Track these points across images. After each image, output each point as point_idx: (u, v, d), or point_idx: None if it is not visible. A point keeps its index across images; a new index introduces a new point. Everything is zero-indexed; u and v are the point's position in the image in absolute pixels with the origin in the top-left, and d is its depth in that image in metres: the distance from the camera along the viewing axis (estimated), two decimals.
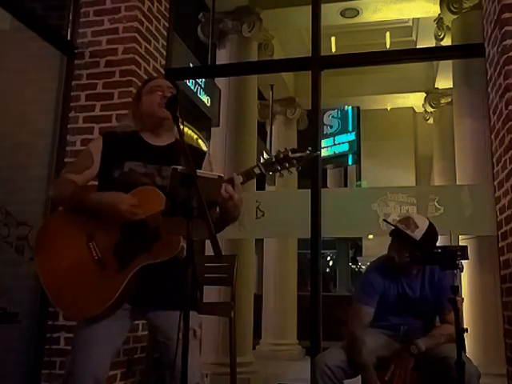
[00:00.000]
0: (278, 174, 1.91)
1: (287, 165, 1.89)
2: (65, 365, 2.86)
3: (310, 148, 1.91)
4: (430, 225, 2.51)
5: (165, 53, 3.65)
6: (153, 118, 2.02)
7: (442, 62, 6.42)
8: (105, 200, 1.85)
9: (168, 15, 3.73)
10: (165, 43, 3.65)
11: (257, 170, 1.89)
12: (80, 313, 1.86)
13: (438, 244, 2.47)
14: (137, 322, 2.89)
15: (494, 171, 3.11)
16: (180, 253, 1.82)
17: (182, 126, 1.70)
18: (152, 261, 1.80)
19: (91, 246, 1.86)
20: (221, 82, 5.50)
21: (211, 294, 4.50)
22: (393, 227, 2.55)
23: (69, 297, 1.83)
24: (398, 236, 2.52)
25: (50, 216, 2.03)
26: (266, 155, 1.92)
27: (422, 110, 8.05)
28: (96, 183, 2.02)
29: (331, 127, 10.23)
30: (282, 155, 1.89)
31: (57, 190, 2.01)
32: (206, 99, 5.22)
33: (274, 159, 1.89)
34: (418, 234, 2.44)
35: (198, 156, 2.05)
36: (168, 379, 1.82)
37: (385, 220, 2.97)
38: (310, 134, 3.82)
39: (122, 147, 2.01)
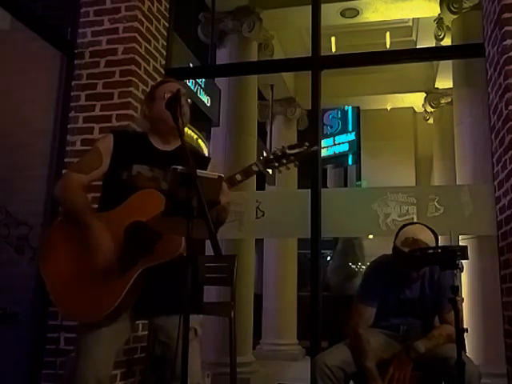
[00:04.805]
0: (276, 170, 1.92)
1: (285, 161, 1.90)
2: (65, 365, 2.86)
3: (307, 143, 1.92)
4: (434, 234, 2.48)
5: (165, 53, 3.65)
6: (164, 124, 1.99)
7: (441, 62, 6.42)
8: (94, 235, 1.82)
9: (168, 15, 3.73)
10: (165, 43, 3.65)
11: (255, 168, 1.89)
12: (84, 318, 1.86)
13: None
14: (137, 321, 2.90)
15: (494, 171, 3.10)
16: (183, 254, 1.82)
17: (182, 127, 1.70)
18: (154, 263, 1.80)
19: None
20: (221, 81, 5.49)
21: (211, 294, 4.50)
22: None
23: (73, 302, 1.83)
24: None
25: (54, 222, 2.02)
26: (264, 153, 1.93)
27: (421, 110, 8.05)
28: (98, 183, 2.02)
29: (331, 127, 10.21)
30: (279, 152, 1.90)
31: (63, 193, 1.97)
32: (206, 99, 5.22)
33: (271, 156, 1.89)
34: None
35: (202, 162, 2.03)
36: (169, 379, 1.82)
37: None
38: (310, 134, 3.82)
39: (130, 149, 2.00)
